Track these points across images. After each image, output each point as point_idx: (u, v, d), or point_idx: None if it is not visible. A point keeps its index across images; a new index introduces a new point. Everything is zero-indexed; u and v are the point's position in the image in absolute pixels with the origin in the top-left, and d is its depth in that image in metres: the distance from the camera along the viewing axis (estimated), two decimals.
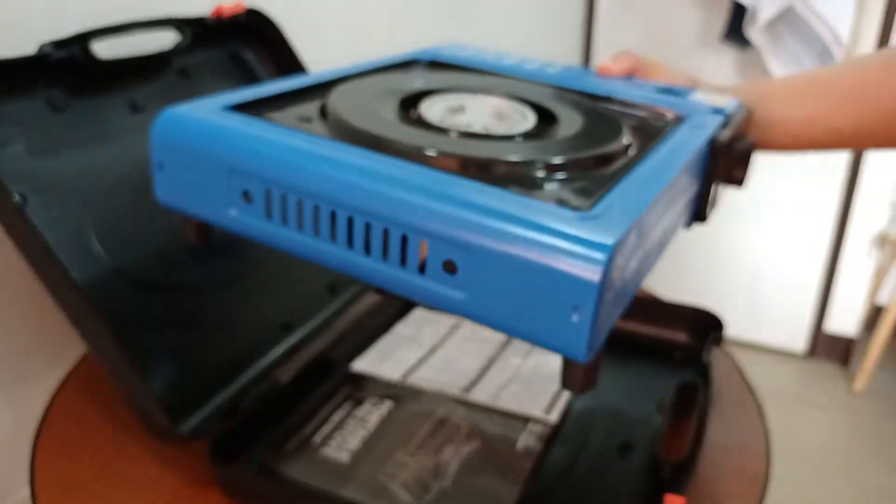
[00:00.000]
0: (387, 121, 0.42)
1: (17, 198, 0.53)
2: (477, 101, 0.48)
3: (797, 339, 2.06)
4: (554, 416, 0.58)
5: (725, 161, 0.46)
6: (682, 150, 0.43)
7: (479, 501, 0.49)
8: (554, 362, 0.65)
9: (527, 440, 0.55)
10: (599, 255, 0.30)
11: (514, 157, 0.38)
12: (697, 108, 0.50)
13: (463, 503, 0.49)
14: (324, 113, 0.44)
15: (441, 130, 0.42)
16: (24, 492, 0.56)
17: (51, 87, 0.58)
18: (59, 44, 0.57)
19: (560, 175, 0.38)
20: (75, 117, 0.59)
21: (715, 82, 0.57)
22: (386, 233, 0.35)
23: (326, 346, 0.65)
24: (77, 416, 0.62)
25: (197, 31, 0.68)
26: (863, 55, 0.57)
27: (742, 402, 0.65)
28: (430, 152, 0.37)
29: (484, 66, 0.58)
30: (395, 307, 0.74)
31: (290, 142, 0.38)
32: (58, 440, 0.59)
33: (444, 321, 0.72)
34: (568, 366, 0.34)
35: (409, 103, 0.46)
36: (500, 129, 0.43)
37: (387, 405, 0.59)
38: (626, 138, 0.44)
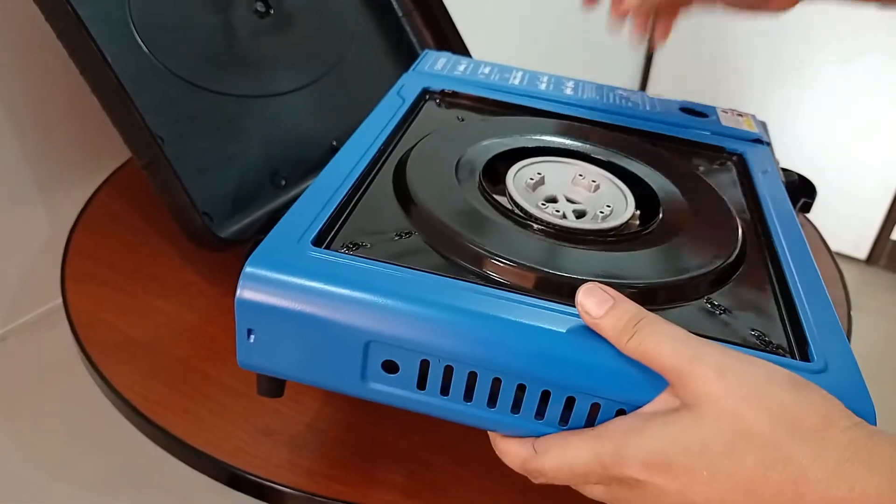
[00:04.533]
0: (524, 243, 0.36)
1: None
2: (556, 170, 0.43)
3: (860, 245, 1.97)
4: None
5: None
6: (789, 218, 0.42)
7: None
8: None
9: None
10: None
11: (676, 277, 0.35)
12: (742, 140, 0.50)
13: None
14: (407, 209, 0.37)
15: (568, 234, 0.37)
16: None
17: None
18: None
19: (716, 286, 0.36)
20: None
21: None
22: (597, 407, 0.31)
23: None
24: (115, 219, 0.59)
25: None
26: None
27: None
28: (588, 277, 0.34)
29: (500, 91, 0.53)
30: None
31: (442, 299, 0.31)
32: (93, 240, 0.57)
33: None
34: None
35: (489, 175, 0.42)
36: (609, 217, 0.40)
37: None
38: (736, 217, 0.42)
